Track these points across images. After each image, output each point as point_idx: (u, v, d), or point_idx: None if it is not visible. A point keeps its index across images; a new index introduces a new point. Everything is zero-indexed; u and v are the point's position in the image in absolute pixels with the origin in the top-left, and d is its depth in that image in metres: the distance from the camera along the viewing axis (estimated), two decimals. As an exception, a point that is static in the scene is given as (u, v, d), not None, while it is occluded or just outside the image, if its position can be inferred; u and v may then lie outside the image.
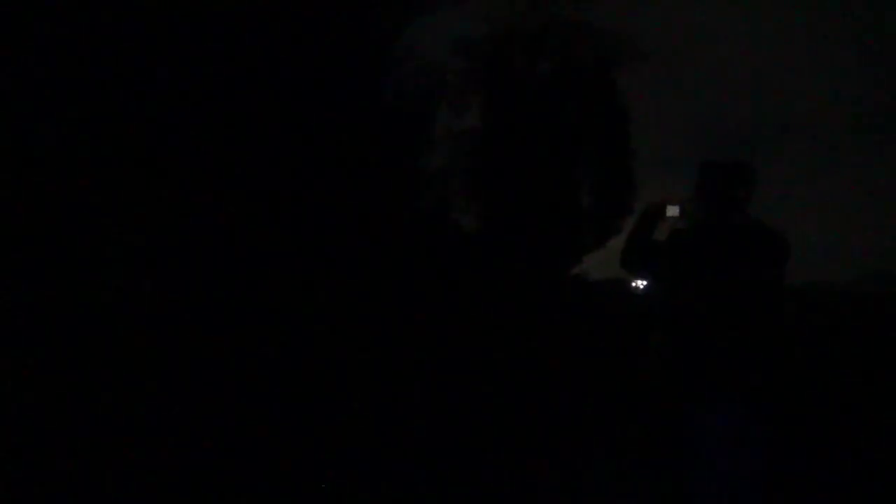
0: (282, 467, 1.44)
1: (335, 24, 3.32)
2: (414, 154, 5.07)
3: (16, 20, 1.68)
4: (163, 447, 1.35)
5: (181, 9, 1.99)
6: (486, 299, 5.06)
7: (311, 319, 2.64)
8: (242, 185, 2.37)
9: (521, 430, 2.32)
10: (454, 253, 5.47)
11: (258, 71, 2.51)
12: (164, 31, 2.01)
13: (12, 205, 1.66)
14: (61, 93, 1.87)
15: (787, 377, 1.11)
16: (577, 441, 2.26)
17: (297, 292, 2.78)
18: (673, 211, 1.25)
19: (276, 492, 1.34)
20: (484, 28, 5.96)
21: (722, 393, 1.08)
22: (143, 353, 1.58)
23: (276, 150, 2.96)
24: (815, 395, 2.29)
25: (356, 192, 4.16)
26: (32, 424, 1.33)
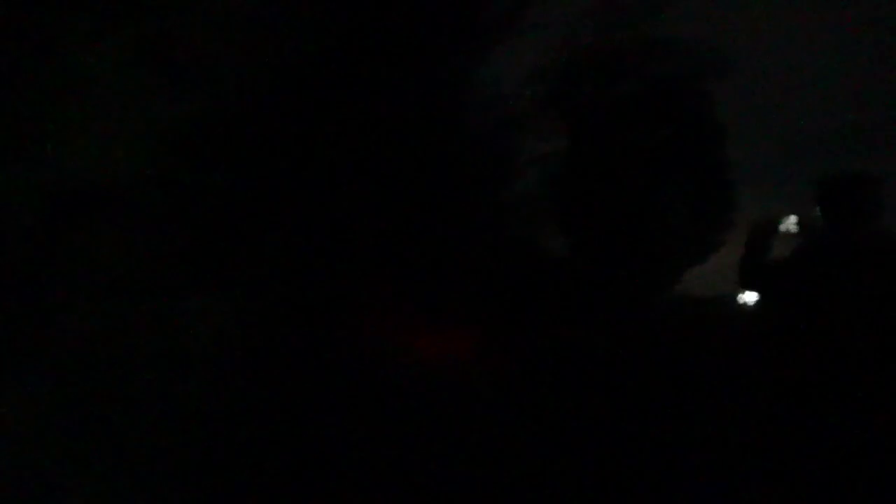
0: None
1: (413, 58, 3.41)
2: (498, 183, 5.05)
3: None
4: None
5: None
6: (584, 324, 4.92)
7: (391, 347, 2.68)
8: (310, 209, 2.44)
9: (622, 456, 2.26)
10: (547, 279, 5.37)
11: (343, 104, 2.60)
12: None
13: None
14: None
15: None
16: (682, 465, 2.16)
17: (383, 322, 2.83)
18: (789, 226, 1.17)
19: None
20: (560, 52, 5.90)
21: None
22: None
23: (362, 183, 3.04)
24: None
25: (444, 222, 4.19)
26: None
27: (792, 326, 1.07)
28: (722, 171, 5.90)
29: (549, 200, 5.64)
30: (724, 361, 3.36)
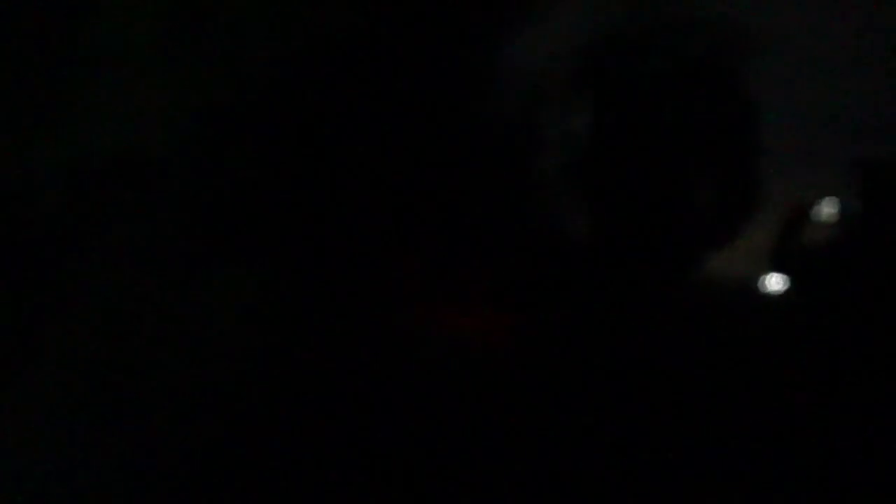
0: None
1: (440, 35, 3.39)
2: (522, 160, 5.00)
3: None
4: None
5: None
6: (603, 304, 4.88)
7: (415, 329, 2.69)
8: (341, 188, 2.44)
9: (641, 441, 2.24)
10: (567, 257, 5.33)
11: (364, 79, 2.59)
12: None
13: None
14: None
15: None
16: (696, 454, 2.14)
17: (403, 300, 2.84)
18: (825, 211, 1.15)
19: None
20: (589, 30, 5.78)
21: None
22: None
23: (385, 163, 3.03)
24: None
25: (466, 199, 4.17)
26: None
27: (824, 315, 1.05)
28: (753, 153, 5.77)
29: (571, 180, 5.56)
30: (750, 348, 3.33)
